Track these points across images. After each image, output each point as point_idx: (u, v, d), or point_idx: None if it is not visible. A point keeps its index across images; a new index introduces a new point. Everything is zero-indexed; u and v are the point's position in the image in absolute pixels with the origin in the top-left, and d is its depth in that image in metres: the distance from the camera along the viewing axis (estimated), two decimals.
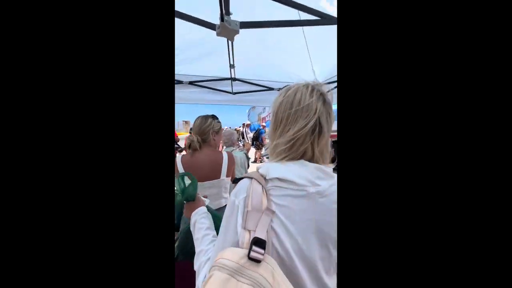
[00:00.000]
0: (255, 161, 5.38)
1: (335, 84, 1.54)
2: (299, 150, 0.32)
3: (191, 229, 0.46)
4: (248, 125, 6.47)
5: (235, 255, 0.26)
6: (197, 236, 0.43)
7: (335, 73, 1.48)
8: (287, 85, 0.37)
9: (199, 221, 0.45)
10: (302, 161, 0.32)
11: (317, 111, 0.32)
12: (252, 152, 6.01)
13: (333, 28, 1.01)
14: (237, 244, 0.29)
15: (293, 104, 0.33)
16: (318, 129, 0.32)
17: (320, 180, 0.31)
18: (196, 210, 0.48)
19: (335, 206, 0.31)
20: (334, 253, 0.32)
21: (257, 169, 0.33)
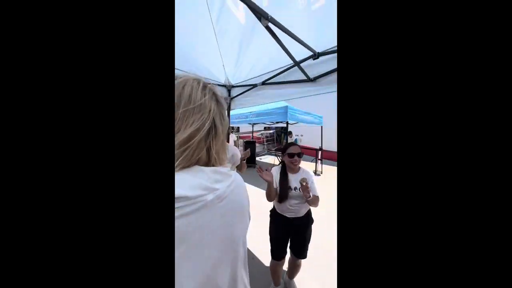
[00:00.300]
0: None
1: (247, 88, 1.62)
2: (193, 156, 0.28)
3: None
4: None
5: None
6: None
7: (249, 76, 1.50)
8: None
9: None
10: (196, 167, 0.28)
11: (212, 111, 0.29)
12: None
13: (240, 27, 1.01)
14: None
15: (182, 99, 0.28)
16: (214, 131, 0.30)
17: (218, 183, 0.29)
18: None
19: (235, 204, 0.30)
20: (241, 249, 0.31)
21: None
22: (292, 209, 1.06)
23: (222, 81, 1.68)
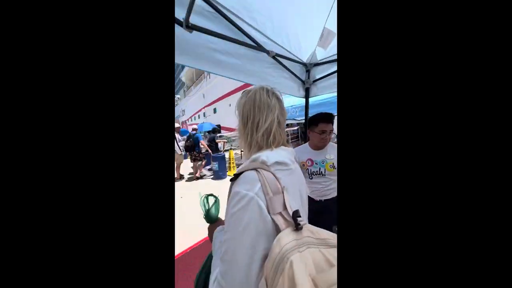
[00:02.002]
0: (195, 179, 4.33)
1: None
2: (276, 140, 0.45)
3: (212, 249, 0.50)
4: (178, 130, 4.52)
5: (289, 236, 0.31)
6: (214, 256, 0.46)
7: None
8: (246, 89, 0.49)
9: (217, 238, 0.50)
10: (282, 147, 0.46)
11: (277, 109, 0.46)
12: (186, 166, 5.00)
13: None
14: (270, 232, 0.34)
15: (255, 102, 0.45)
16: (280, 121, 0.47)
17: (291, 158, 0.47)
18: (215, 230, 0.54)
19: (300, 174, 0.50)
20: (305, 201, 0.50)
21: (253, 160, 0.41)
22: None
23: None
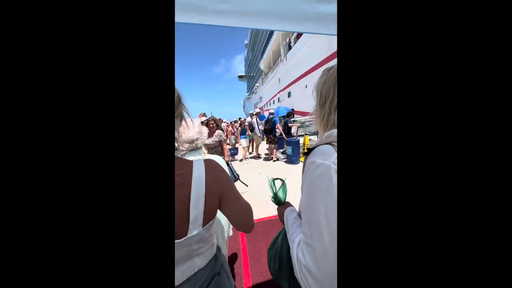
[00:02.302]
0: (271, 159, 4.89)
1: None
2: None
3: (286, 228, 0.50)
4: (258, 114, 5.23)
5: None
6: (290, 230, 0.46)
7: None
8: (327, 67, 0.45)
9: (289, 216, 0.51)
10: None
11: None
12: (262, 147, 5.74)
13: None
14: None
15: (337, 79, 0.39)
16: None
17: None
18: (285, 210, 0.54)
19: None
20: None
21: (327, 136, 0.38)
22: None
23: None
